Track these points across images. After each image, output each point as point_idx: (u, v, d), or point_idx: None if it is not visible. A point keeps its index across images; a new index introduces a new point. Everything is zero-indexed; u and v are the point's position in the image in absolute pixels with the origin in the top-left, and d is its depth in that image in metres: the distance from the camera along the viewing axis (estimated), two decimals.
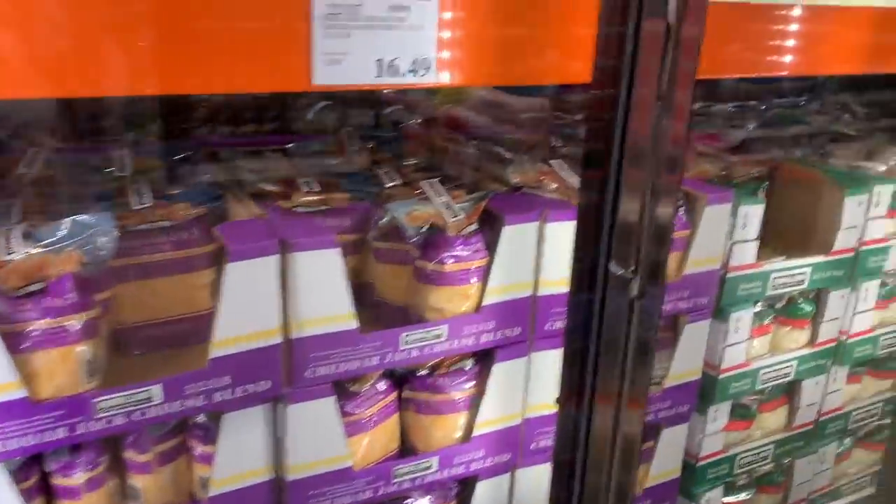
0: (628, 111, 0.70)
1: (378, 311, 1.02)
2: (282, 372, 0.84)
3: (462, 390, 0.99)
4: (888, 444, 1.52)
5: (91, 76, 0.67)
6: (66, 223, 0.75)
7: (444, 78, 0.84)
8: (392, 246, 0.98)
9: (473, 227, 0.94)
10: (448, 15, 0.82)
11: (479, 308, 0.95)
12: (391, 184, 1.05)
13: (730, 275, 1.18)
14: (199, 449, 0.86)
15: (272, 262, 0.79)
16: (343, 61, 0.79)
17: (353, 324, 0.86)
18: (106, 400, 0.74)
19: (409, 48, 0.81)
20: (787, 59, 1.06)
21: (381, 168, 1.09)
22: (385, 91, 1.52)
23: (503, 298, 0.95)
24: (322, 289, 0.83)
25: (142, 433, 0.83)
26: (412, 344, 0.91)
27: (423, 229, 0.92)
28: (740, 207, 1.15)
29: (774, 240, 1.44)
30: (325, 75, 0.78)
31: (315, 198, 0.98)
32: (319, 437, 0.89)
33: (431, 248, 0.93)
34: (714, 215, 1.09)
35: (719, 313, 1.20)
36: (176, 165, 1.07)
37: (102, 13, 0.66)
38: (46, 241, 0.75)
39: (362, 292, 1.04)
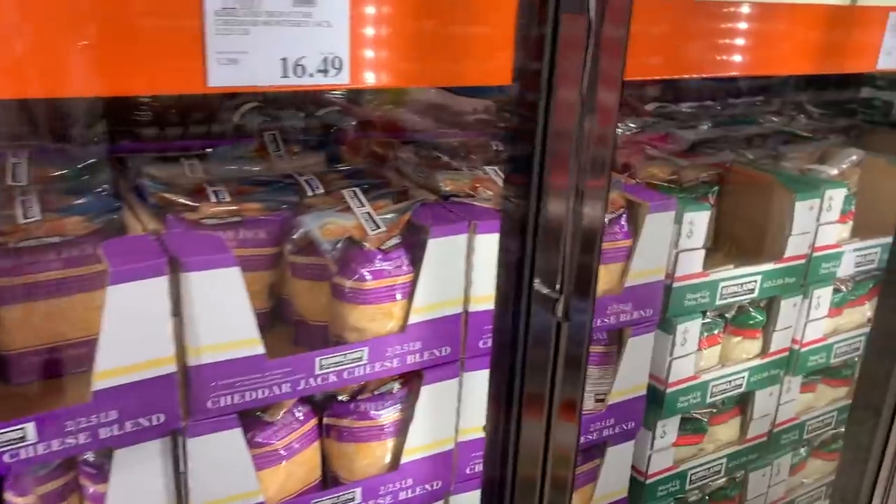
0: (548, 114, 0.64)
1: (298, 330, 0.95)
2: (178, 403, 0.76)
3: (388, 415, 0.92)
4: (842, 452, 1.48)
5: None
6: None
7: (359, 78, 0.77)
8: (310, 260, 0.90)
9: (396, 240, 0.87)
10: (362, 11, 0.75)
11: (404, 327, 0.88)
12: (313, 192, 0.97)
13: (676, 285, 1.13)
14: (91, 488, 0.78)
15: (160, 283, 0.71)
16: (241, 61, 0.72)
17: (259, 349, 0.79)
18: None
19: (317, 46, 0.74)
20: (738, 58, 1.01)
21: (304, 175, 1.01)
22: (325, 92, 1.45)
23: (430, 316, 0.89)
24: (221, 311, 0.76)
25: (21, 472, 0.75)
26: (329, 368, 0.84)
27: (340, 243, 0.85)
28: (685, 214, 1.09)
29: (727, 246, 1.40)
30: (222, 76, 0.71)
31: (225, 208, 0.91)
32: (226, 471, 0.81)
33: (350, 264, 0.86)
34: (657, 223, 1.04)
35: (665, 325, 1.14)
36: (80, 174, 0.98)
37: None
38: None
39: (281, 310, 0.97)
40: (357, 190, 0.93)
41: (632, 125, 1.52)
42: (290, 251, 0.91)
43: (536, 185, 0.65)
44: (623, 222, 1.04)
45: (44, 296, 0.80)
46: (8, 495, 0.76)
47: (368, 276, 0.85)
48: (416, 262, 0.88)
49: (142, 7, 0.65)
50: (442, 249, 0.86)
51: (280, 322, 0.96)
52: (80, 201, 0.87)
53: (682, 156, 1.42)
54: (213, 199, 0.91)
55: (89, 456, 0.77)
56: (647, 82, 1.90)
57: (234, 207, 0.91)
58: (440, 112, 1.47)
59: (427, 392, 0.91)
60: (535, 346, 0.72)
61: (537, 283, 0.70)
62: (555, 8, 0.61)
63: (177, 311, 0.74)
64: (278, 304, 0.96)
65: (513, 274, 0.72)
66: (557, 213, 0.67)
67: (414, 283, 0.87)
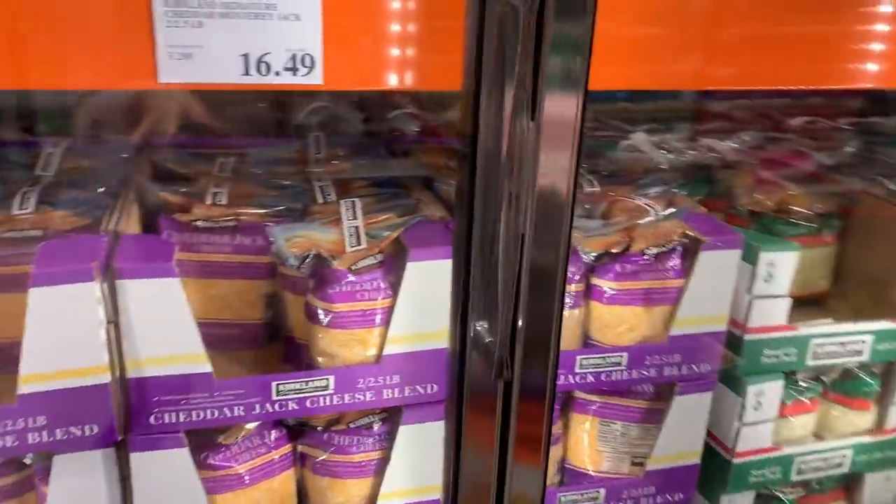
0: (477, 121, 0.52)
1: (287, 346, 0.88)
2: (115, 416, 0.72)
3: (366, 452, 0.83)
4: None
5: None
6: None
7: (336, 79, 0.69)
8: (297, 273, 0.83)
9: (372, 260, 0.77)
10: (338, 2, 0.67)
11: (380, 357, 0.78)
12: (324, 200, 0.91)
13: (749, 337, 0.93)
14: (41, 489, 0.77)
15: (88, 289, 0.67)
16: (195, 56, 0.66)
17: (205, 366, 0.73)
18: None
19: (283, 42, 0.67)
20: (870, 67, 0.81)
21: (321, 181, 0.95)
22: (399, 93, 1.38)
23: (411, 348, 0.78)
24: (159, 323, 0.70)
25: None
26: (287, 395, 0.76)
27: (308, 259, 0.77)
28: (762, 254, 0.90)
29: (850, 294, 1.16)
30: (173, 72, 0.66)
31: (220, 211, 0.86)
32: (172, 490, 0.76)
33: (321, 283, 0.78)
34: (713, 263, 0.86)
35: (734, 384, 0.96)
36: (112, 166, 0.98)
37: None
38: None
39: (277, 325, 0.91)
40: (356, 201, 0.85)
41: (745, 139, 1.31)
42: (278, 262, 0.84)
43: (467, 212, 0.54)
44: (676, 258, 0.88)
45: (17, 289, 0.79)
46: None
47: (337, 298, 0.76)
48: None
49: None
50: (423, 274, 0.76)
51: (272, 339, 0.91)
52: (74, 196, 0.85)
53: (803, 181, 1.20)
54: (210, 200, 0.87)
55: (38, 458, 0.75)
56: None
57: (231, 211, 0.86)
58: None
59: (407, 432, 0.81)
60: (476, 402, 0.60)
61: (481, 328, 0.58)
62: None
63: (115, 319, 0.70)
64: (276, 316, 0.91)
65: (458, 314, 0.60)
66: (494, 246, 0.55)
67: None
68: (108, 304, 0.69)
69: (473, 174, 0.53)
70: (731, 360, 0.95)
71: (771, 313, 0.93)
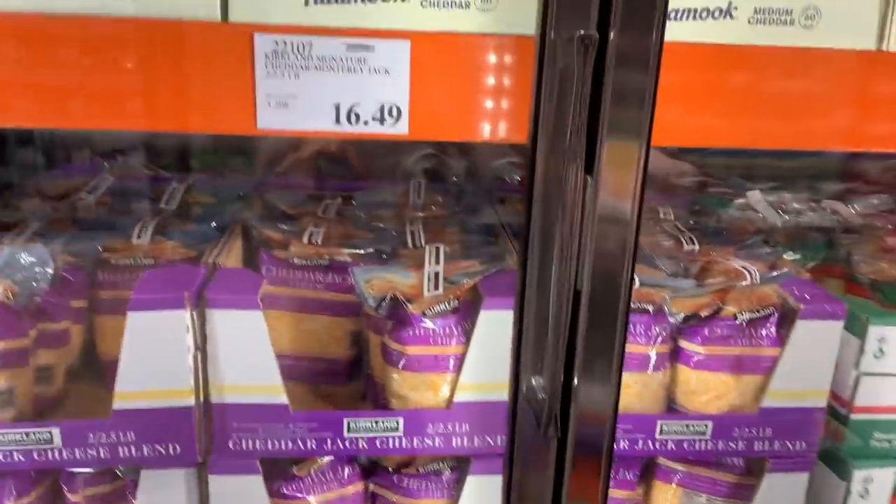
0: (533, 172, 0.52)
1: (367, 384, 0.91)
2: (197, 438, 0.76)
3: (433, 499, 0.83)
4: None
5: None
6: (4, 253, 0.76)
7: (420, 130, 0.72)
8: (377, 314, 0.86)
9: (446, 306, 0.78)
10: (425, 59, 0.70)
11: (450, 404, 0.79)
12: (413, 245, 0.93)
13: (856, 417, 0.86)
14: (131, 499, 0.82)
15: (178, 316, 0.72)
16: (291, 105, 0.71)
17: (281, 398, 0.76)
18: (2, 434, 0.73)
19: (373, 93, 0.71)
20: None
21: (413, 226, 0.97)
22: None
23: (482, 398, 0.78)
24: (242, 353, 0.74)
25: (74, 473, 0.81)
26: (359, 433, 0.78)
27: (386, 300, 0.79)
28: (872, 328, 0.83)
29: None
30: (271, 119, 0.71)
31: (313, 251, 0.90)
32: None
33: (396, 325, 0.79)
34: (812, 333, 0.80)
35: (838, 466, 0.88)
36: (224, 203, 1.06)
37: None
38: None
39: (361, 362, 0.93)
40: (440, 247, 0.86)
41: (874, 202, 1.22)
42: (362, 302, 0.87)
43: (521, 263, 0.54)
44: (771, 325, 0.83)
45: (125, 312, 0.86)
46: (65, 489, 0.83)
47: (410, 341, 0.77)
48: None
49: (194, 47, 0.68)
50: (495, 323, 0.76)
51: (354, 376, 0.93)
52: (187, 228, 0.92)
53: None
54: (306, 239, 0.92)
55: (128, 471, 0.81)
56: None
57: (325, 250, 0.91)
58: None
59: (474, 483, 0.80)
60: (528, 458, 0.59)
61: (536, 382, 0.58)
62: (540, 50, 0.50)
63: (202, 346, 0.75)
64: (360, 354, 0.93)
65: (513, 366, 0.60)
66: (545, 298, 0.55)
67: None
68: (196, 332, 0.74)
69: (529, 226, 0.53)
70: (840, 436, 0.88)
71: (882, 392, 0.86)
